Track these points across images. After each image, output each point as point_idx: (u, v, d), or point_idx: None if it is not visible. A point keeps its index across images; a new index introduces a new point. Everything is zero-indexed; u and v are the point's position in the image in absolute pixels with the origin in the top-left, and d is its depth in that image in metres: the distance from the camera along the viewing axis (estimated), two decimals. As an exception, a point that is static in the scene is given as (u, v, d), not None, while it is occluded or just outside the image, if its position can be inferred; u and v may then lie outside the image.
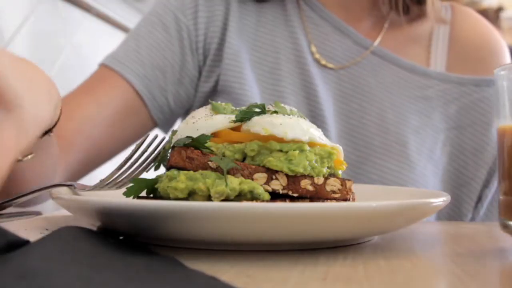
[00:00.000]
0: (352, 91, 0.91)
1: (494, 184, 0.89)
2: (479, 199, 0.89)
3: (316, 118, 0.89)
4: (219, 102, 0.57)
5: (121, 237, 0.47)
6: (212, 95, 0.92)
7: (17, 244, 0.37)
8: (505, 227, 0.50)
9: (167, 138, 0.58)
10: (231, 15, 0.92)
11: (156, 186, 0.52)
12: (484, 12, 3.32)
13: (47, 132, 0.55)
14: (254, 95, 0.88)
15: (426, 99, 0.92)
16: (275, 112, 0.54)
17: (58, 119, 0.57)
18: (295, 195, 0.50)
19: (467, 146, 0.91)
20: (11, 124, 0.41)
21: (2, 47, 0.91)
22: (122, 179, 0.56)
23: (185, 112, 0.96)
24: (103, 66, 0.90)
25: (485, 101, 0.93)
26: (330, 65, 0.92)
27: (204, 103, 0.92)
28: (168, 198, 0.49)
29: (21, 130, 0.42)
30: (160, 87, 0.90)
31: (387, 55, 0.93)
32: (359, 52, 0.93)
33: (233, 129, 0.54)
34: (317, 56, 0.92)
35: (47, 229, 0.51)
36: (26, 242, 0.38)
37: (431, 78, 0.93)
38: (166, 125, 0.95)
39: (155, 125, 0.93)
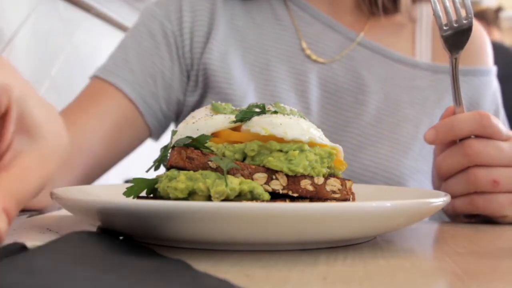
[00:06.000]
0: (347, 84, 0.93)
1: None
2: None
3: (309, 114, 0.91)
4: (219, 102, 0.57)
5: (121, 237, 0.47)
6: (202, 99, 0.93)
7: (12, 249, 0.37)
8: None
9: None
10: (217, 19, 0.94)
11: (156, 186, 0.52)
12: (483, 12, 3.32)
13: None
14: (245, 94, 0.90)
15: (418, 88, 0.95)
16: (275, 112, 0.54)
17: None
18: (295, 195, 0.50)
19: None
20: (35, 153, 0.41)
21: (2, 47, 0.91)
22: None
23: (176, 118, 0.97)
24: (95, 78, 0.91)
25: (475, 91, 0.96)
26: (321, 60, 0.94)
27: (194, 108, 0.93)
28: (168, 198, 0.49)
29: (44, 160, 0.42)
30: (152, 93, 0.91)
31: (375, 46, 0.96)
32: (347, 45, 0.96)
33: (233, 129, 0.54)
34: (308, 52, 0.95)
35: (47, 229, 0.51)
36: (23, 247, 0.38)
37: (420, 69, 0.96)
38: (159, 132, 0.96)
39: (149, 133, 0.94)
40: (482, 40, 1.02)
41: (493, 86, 1.00)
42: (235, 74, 0.91)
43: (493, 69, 1.01)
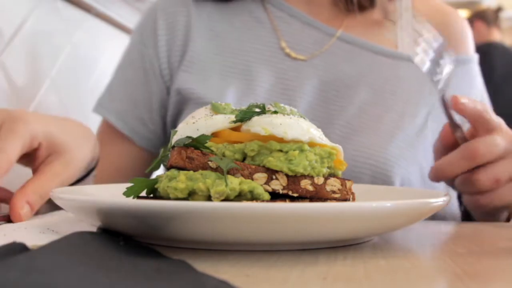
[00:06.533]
0: (329, 79, 0.93)
1: None
2: None
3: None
4: (218, 102, 0.57)
5: (121, 237, 0.47)
6: (182, 106, 0.95)
7: (12, 249, 0.37)
8: None
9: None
10: (193, 29, 0.96)
11: (156, 186, 0.52)
12: (483, 13, 3.32)
13: (92, 170, 0.72)
14: (223, 98, 0.90)
15: (400, 78, 0.95)
16: (275, 112, 0.54)
17: (98, 159, 0.73)
18: (295, 195, 0.50)
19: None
20: (60, 162, 0.63)
21: (2, 47, 0.91)
22: None
23: (162, 130, 0.99)
24: (102, 120, 0.99)
25: (457, 80, 0.96)
26: (301, 57, 0.94)
27: (175, 119, 0.96)
28: (168, 198, 0.49)
29: (67, 166, 0.63)
30: (137, 117, 0.96)
31: (355, 40, 0.96)
32: (327, 41, 0.96)
33: (233, 129, 0.54)
34: (287, 50, 0.95)
35: (47, 229, 0.51)
36: (23, 247, 0.38)
37: (401, 60, 0.96)
38: (158, 146, 0.99)
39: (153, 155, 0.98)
40: (462, 29, 1.02)
41: (473, 75, 1.00)
42: (211, 80, 0.92)
43: (474, 57, 1.01)
